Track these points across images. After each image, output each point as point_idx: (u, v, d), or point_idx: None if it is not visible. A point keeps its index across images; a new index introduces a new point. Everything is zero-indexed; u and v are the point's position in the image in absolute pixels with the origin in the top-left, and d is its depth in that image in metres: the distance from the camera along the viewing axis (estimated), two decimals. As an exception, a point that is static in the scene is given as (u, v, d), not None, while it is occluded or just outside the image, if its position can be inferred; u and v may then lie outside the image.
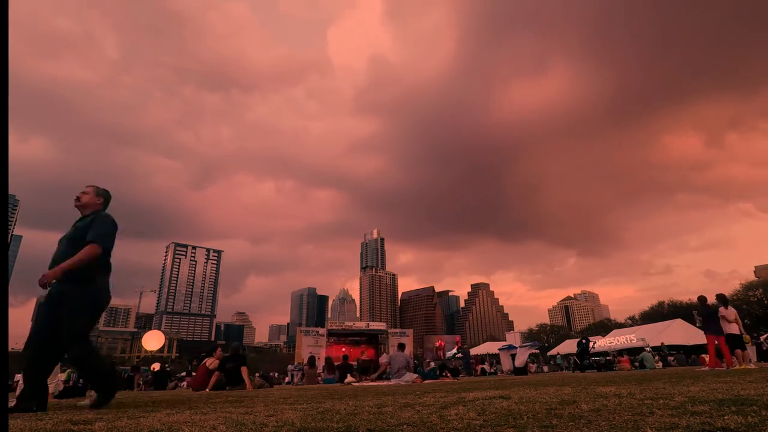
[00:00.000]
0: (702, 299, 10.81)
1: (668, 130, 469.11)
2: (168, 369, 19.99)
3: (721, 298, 10.71)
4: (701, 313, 10.76)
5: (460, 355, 31.05)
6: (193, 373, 13.92)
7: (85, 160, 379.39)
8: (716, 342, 10.25)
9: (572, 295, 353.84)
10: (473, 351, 38.06)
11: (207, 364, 10.37)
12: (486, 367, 26.08)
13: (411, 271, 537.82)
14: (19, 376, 7.72)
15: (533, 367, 25.07)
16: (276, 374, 34.06)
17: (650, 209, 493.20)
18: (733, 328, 10.24)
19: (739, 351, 10.25)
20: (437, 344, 34.25)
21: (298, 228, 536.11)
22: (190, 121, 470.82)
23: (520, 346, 22.58)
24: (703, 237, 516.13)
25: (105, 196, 4.07)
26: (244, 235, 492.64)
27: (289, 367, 25.91)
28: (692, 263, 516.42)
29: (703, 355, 18.94)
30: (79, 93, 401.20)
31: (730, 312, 10.37)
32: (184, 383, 18.33)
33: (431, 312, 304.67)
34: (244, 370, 9.83)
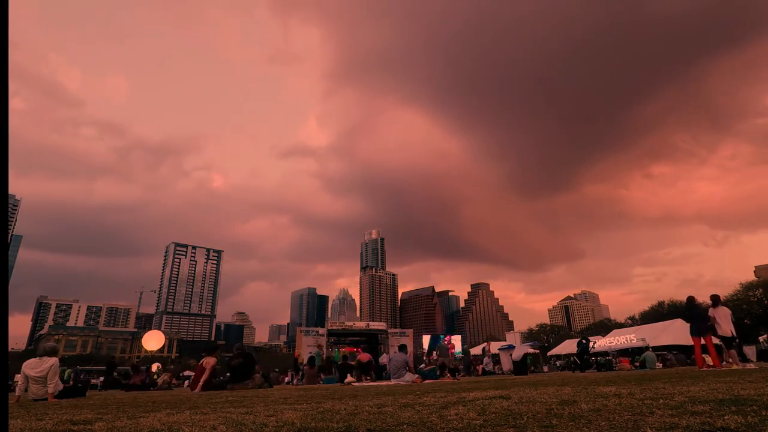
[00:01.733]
0: (690, 299, 10.78)
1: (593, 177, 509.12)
2: (155, 375, 19.97)
3: (713, 298, 10.70)
4: (686, 313, 10.74)
5: (460, 354, 31.06)
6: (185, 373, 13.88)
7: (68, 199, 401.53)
8: (702, 342, 10.28)
9: (572, 295, 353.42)
10: (473, 351, 38.08)
11: (203, 364, 10.31)
12: (486, 364, 26.09)
13: (407, 275, 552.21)
14: (18, 376, 7.71)
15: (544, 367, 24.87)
16: (277, 370, 34.11)
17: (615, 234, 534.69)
18: (726, 329, 10.23)
19: (732, 351, 10.29)
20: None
21: (295, 233, 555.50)
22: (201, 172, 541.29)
23: (520, 346, 22.60)
24: (676, 250, 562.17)
25: None
26: (244, 248, 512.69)
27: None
28: (670, 271, 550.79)
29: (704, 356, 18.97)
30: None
31: (720, 311, 10.35)
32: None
33: (431, 312, 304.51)
34: (258, 368, 9.72)
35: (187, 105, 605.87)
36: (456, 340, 34.60)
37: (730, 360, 10.43)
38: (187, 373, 38.79)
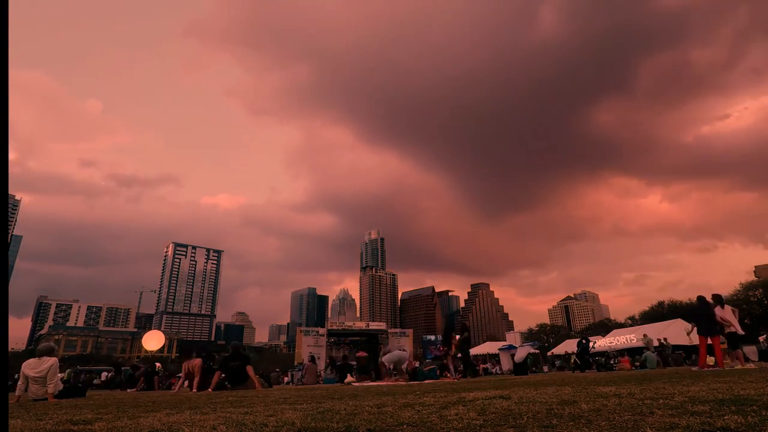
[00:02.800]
0: (701, 299, 10.82)
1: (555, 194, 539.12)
2: (158, 370, 20.02)
3: (716, 298, 10.72)
4: (698, 312, 10.80)
5: (459, 354, 31.00)
6: (179, 375, 13.89)
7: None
8: (709, 342, 10.33)
9: (572, 295, 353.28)
10: (473, 351, 38.05)
11: (189, 368, 10.33)
12: (489, 366, 26.09)
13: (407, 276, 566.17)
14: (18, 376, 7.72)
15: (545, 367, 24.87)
16: (278, 370, 34.11)
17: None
18: (732, 329, 10.26)
19: (738, 351, 10.30)
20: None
21: (294, 236, 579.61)
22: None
23: (520, 346, 22.59)
24: (654, 258, 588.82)
25: None
26: (242, 259, 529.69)
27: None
28: (652, 275, 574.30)
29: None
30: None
31: (726, 311, 10.38)
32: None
33: (431, 312, 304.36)
34: (250, 369, 9.79)
35: (167, 143, 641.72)
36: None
37: (736, 360, 10.46)
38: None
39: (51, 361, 7.38)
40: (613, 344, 29.71)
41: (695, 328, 10.55)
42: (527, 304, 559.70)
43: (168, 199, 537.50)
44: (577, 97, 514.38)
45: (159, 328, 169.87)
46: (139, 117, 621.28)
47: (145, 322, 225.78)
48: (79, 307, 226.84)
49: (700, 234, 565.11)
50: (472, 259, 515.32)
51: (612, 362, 22.32)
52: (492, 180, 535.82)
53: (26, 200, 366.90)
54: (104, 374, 34.46)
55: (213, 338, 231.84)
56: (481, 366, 26.30)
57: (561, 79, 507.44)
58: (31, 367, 7.31)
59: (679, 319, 30.13)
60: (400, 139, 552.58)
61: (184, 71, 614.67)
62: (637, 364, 20.34)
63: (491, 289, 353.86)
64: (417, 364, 13.09)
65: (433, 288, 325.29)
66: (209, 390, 9.36)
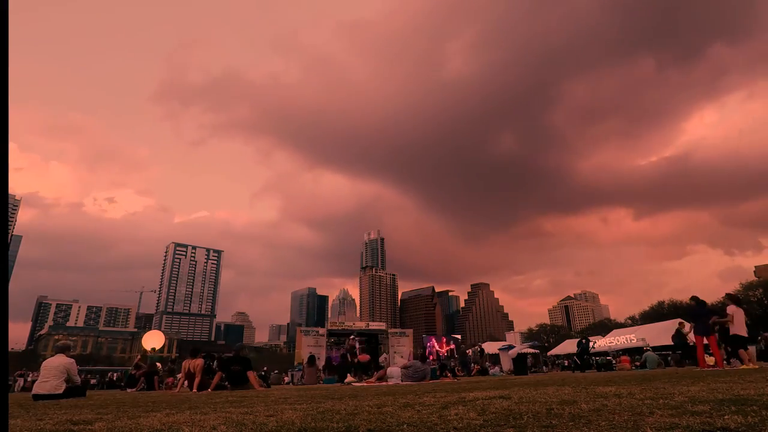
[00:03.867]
0: (695, 299, 10.88)
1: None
2: (158, 370, 20.03)
3: (730, 297, 10.70)
4: (693, 313, 10.85)
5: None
6: (179, 375, 13.88)
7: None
8: (705, 342, 10.37)
9: (572, 295, 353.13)
10: (470, 351, 38.01)
11: (190, 368, 10.34)
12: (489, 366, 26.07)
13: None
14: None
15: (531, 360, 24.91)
16: (277, 371, 34.17)
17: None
18: (739, 329, 10.22)
19: (742, 351, 10.29)
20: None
21: (294, 235, 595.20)
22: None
23: (519, 346, 22.61)
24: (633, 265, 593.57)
25: None
26: (242, 265, 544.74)
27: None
28: (634, 281, 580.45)
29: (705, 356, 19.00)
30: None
31: (736, 311, 10.33)
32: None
33: (431, 312, 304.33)
34: (251, 375, 9.77)
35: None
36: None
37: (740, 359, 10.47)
38: None
39: (66, 360, 7.47)
40: (613, 344, 29.70)
41: (693, 329, 10.60)
42: (524, 306, 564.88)
43: (160, 218, 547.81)
44: (491, 126, 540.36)
45: (159, 328, 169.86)
46: (139, 155, 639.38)
47: (145, 322, 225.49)
48: (79, 307, 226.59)
49: (666, 243, 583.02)
50: (451, 268, 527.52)
51: (612, 362, 22.33)
52: (456, 200, 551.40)
53: (28, 213, 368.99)
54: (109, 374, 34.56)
55: (213, 338, 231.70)
56: (476, 366, 26.28)
57: (478, 111, 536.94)
58: (47, 363, 7.48)
59: (679, 319, 30.14)
60: (378, 169, 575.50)
61: (168, 120, 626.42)
62: (637, 364, 20.35)
63: (491, 289, 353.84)
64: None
65: (433, 288, 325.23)
66: (209, 390, 9.37)
